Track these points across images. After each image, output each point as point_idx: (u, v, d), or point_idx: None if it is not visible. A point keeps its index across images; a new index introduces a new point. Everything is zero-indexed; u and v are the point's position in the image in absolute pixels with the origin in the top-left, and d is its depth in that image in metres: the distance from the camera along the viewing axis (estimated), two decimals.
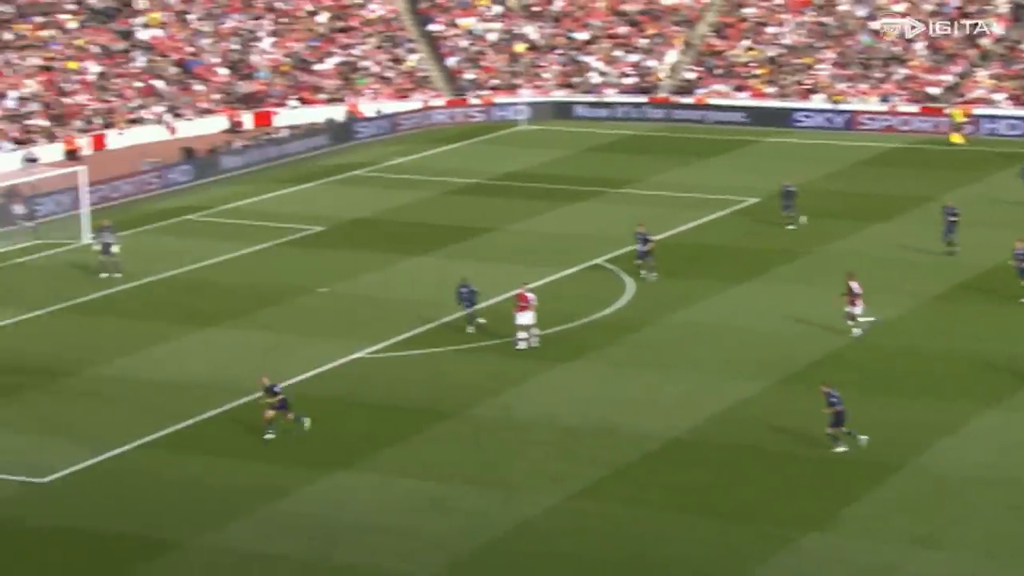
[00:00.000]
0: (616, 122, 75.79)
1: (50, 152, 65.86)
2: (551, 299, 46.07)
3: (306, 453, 34.71)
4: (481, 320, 43.10)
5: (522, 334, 41.33)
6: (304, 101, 75.88)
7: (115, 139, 69.54)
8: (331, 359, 40.90)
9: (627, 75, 78.95)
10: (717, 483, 33.08)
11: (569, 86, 78.94)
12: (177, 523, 31.09)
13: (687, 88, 77.85)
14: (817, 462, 33.90)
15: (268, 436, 34.98)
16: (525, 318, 41.39)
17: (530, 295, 41.66)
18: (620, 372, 40.16)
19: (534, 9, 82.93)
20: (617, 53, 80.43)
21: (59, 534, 30.67)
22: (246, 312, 45.25)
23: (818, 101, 75.12)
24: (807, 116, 74.10)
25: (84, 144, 67.70)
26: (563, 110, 77.30)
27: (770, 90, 76.58)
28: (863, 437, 34.14)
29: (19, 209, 55.65)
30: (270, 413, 35.05)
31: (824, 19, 79.74)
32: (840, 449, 34.05)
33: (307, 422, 35.43)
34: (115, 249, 49.05)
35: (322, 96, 76.49)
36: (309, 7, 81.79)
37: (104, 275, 48.49)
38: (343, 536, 30.56)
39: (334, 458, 34.40)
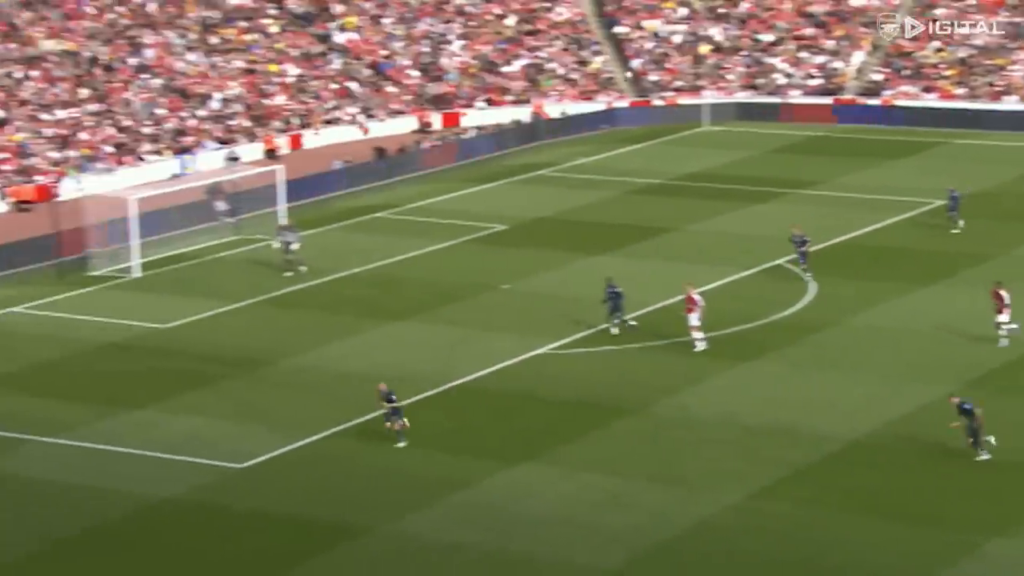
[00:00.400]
0: (800, 124, 74.77)
1: (250, 151, 67.67)
2: (731, 299, 45.84)
3: (488, 446, 35.14)
4: (633, 323, 42.74)
5: (698, 334, 41.09)
6: (491, 102, 76.63)
7: (311, 139, 71.18)
8: (512, 355, 41.28)
9: (812, 76, 77.88)
10: (897, 486, 32.54)
11: (753, 87, 78.19)
12: (366, 510, 31.77)
13: (874, 89, 76.44)
14: (999, 467, 33.10)
15: (400, 445, 34.95)
16: (695, 319, 41.10)
17: (697, 297, 41.31)
18: (800, 373, 39.72)
19: (720, 11, 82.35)
20: (803, 54, 79.40)
21: (255, 518, 31.60)
22: (431, 307, 45.93)
23: (1010, 103, 73.01)
24: (998, 118, 72.10)
25: (282, 143, 69.42)
26: (746, 111, 76.56)
27: (959, 91, 74.72)
28: (989, 437, 33.29)
29: (221, 206, 57.28)
30: (398, 424, 34.80)
31: (1018, 19, 77.46)
32: (983, 457, 33.25)
33: (402, 444, 34.90)
34: (295, 247, 50.16)
35: (509, 97, 77.15)
36: (497, 11, 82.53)
37: (288, 274, 49.60)
38: (522, 528, 30.87)
39: (515, 452, 34.74)
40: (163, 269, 50.83)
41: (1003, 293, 40.87)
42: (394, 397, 35.08)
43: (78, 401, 38.14)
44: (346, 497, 32.57)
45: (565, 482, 33.09)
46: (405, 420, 34.99)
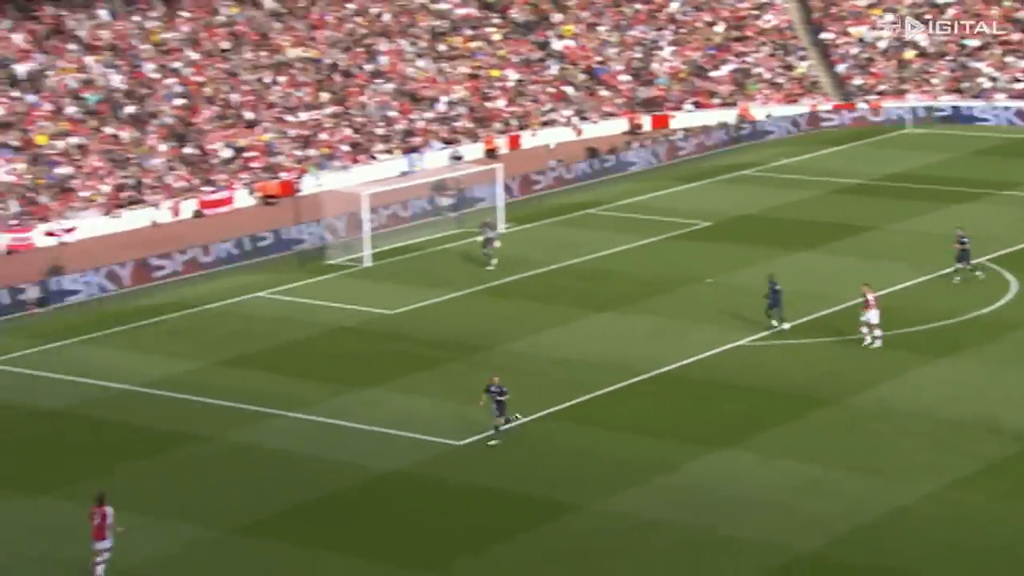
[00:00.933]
0: (1005, 127, 72.08)
1: (472, 151, 68.48)
2: (931, 296, 44.55)
3: (691, 431, 34.85)
4: (785, 325, 41.47)
5: (865, 330, 39.71)
6: (699, 105, 75.93)
7: (528, 139, 71.63)
8: (714, 345, 40.86)
9: (1019, 80, 74.97)
10: None
11: (958, 91, 75.66)
12: (574, 488, 31.85)
13: None
14: None
15: (492, 444, 34.01)
16: (873, 317, 39.73)
17: (871, 295, 39.81)
18: (999, 369, 38.33)
19: (926, 17, 79.91)
20: (1009, 59, 76.50)
21: (471, 492, 31.99)
22: (638, 299, 45.77)
23: None
24: None
25: (501, 144, 70.03)
26: (950, 114, 74.12)
27: None
28: None
29: (445, 201, 58.13)
30: (499, 419, 33.92)
31: None
32: None
33: (495, 443, 33.94)
34: (497, 244, 50.38)
35: (716, 100, 76.32)
36: (707, 18, 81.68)
37: (489, 268, 49.76)
38: (726, 509, 30.55)
39: (718, 437, 34.39)
40: (391, 259, 51.81)
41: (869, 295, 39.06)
42: (505, 389, 34.07)
43: (314, 379, 39.16)
44: (556, 475, 32.69)
45: (764, 468, 32.63)
46: (508, 416, 33.89)
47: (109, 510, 27.83)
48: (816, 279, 46.77)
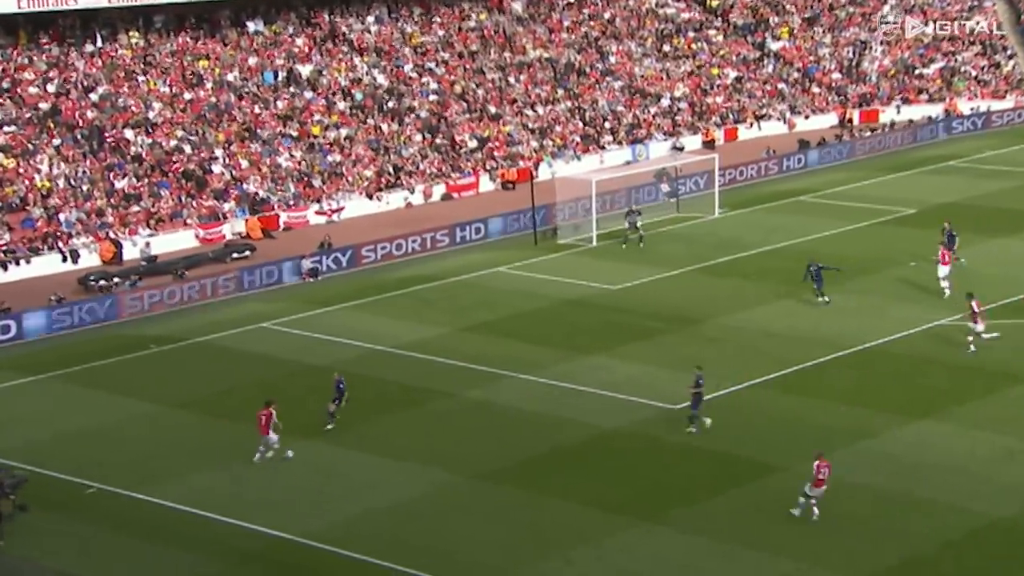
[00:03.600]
0: None
1: (692, 142, 67.74)
2: None
3: (893, 402, 33.77)
4: (827, 299, 38.91)
5: (971, 337, 36.70)
6: (908, 101, 73.18)
7: (744, 132, 70.41)
8: (916, 324, 39.44)
9: None
10: None
11: None
12: (780, 450, 31.28)
13: None
14: None
15: (691, 431, 32.62)
16: (979, 327, 36.60)
17: (975, 304, 36.78)
18: None
19: None
20: None
21: (685, 450, 31.76)
22: (844, 279, 44.46)
23: None
24: None
25: (719, 136, 69.05)
26: None
27: None
28: None
29: (665, 188, 57.71)
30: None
31: None
32: None
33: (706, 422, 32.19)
34: (639, 224, 49.54)
35: (923, 97, 73.42)
36: (918, 21, 78.57)
37: (623, 245, 49.14)
38: (924, 474, 29.53)
39: (918, 408, 33.24)
40: (615, 240, 51.75)
41: (974, 304, 35.87)
42: (702, 382, 32.33)
43: (544, 345, 39.48)
44: (764, 439, 32.17)
45: (961, 438, 31.38)
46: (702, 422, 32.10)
47: (272, 411, 31.00)
48: (1015, 264, 44.56)
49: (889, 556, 26.17)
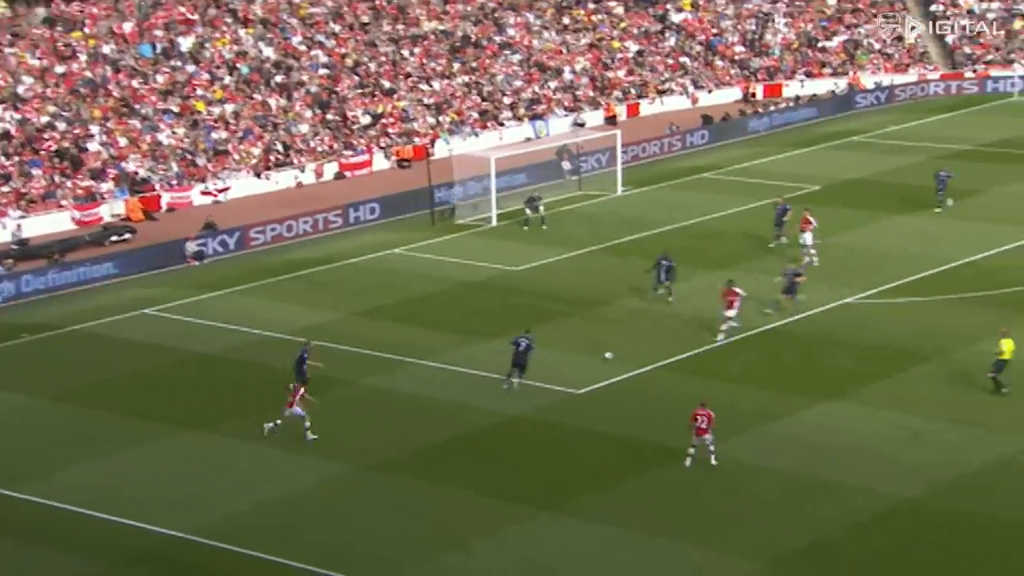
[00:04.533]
0: None
1: (593, 118, 68.06)
2: None
3: (799, 384, 34.36)
4: (670, 298, 39.89)
5: (724, 326, 36.99)
6: (811, 75, 74.41)
7: (646, 107, 70.94)
8: (822, 303, 40.17)
9: None
10: None
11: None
12: (686, 434, 31.51)
13: None
14: None
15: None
16: (731, 312, 36.97)
17: (739, 290, 37.35)
18: None
19: None
20: None
21: (590, 436, 31.97)
22: (748, 258, 45.14)
23: None
24: None
25: (621, 111, 69.46)
26: None
27: None
28: None
29: (567, 165, 57.90)
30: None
31: None
32: None
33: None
34: (541, 208, 49.89)
35: (827, 70, 74.71)
36: None
37: (525, 227, 49.47)
38: (831, 457, 30.11)
39: (824, 389, 33.87)
40: (516, 220, 51.80)
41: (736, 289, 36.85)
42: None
43: (443, 329, 39.41)
44: (670, 422, 32.47)
45: (868, 419, 32.06)
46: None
47: (302, 390, 31.71)
48: (920, 240, 45.66)
49: (797, 540, 26.66)
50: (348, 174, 60.07)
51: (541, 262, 46.15)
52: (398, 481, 29.87)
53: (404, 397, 34.68)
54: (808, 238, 43.07)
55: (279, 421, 31.80)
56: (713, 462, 29.42)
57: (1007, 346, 32.35)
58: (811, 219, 43.44)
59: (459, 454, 31.27)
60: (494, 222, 51.38)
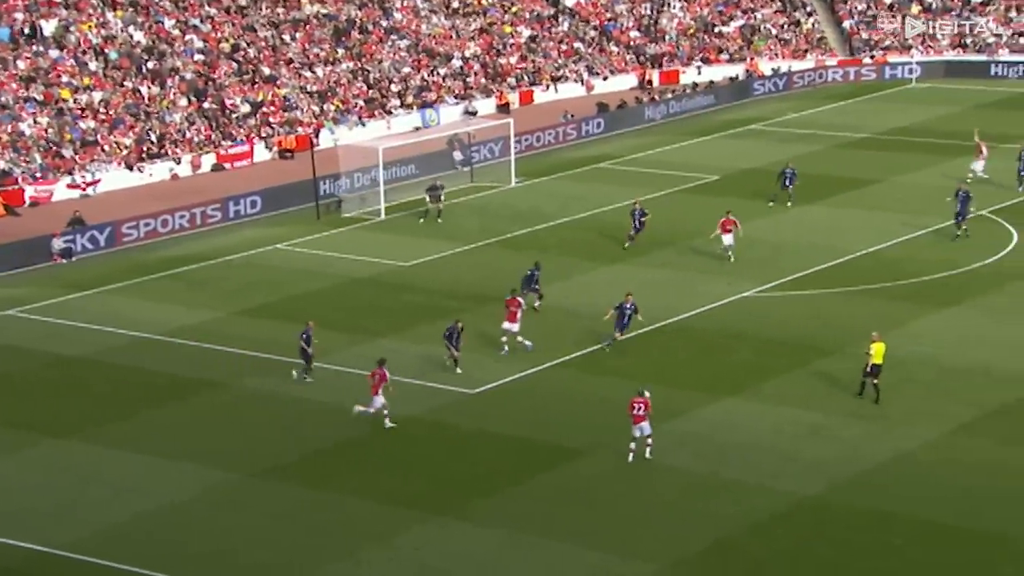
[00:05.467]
0: (1008, 81, 71.66)
1: (485, 106, 68.24)
2: (936, 248, 44.44)
3: (697, 380, 34.90)
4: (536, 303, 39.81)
5: (505, 338, 36.68)
6: (707, 61, 75.50)
7: (540, 95, 71.32)
8: (721, 297, 40.85)
9: (1021, 35, 74.41)
10: None
11: (962, 46, 75.14)
12: (583, 434, 31.98)
13: None
14: None
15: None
16: (513, 327, 36.45)
17: (520, 300, 37.03)
18: (1001, 318, 38.30)
19: None
20: (1012, 14, 75.91)
21: (485, 437, 32.15)
22: (646, 251, 45.69)
23: None
24: None
25: (514, 99, 69.75)
26: (954, 69, 73.70)
27: None
28: None
29: (458, 156, 57.99)
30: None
31: None
32: None
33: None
34: (442, 197, 50.11)
35: (724, 56, 75.87)
36: None
37: (421, 220, 49.68)
38: (730, 454, 30.66)
39: (724, 385, 34.46)
40: (405, 212, 51.79)
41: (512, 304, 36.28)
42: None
43: (330, 328, 39.21)
44: (567, 422, 32.83)
45: (768, 415, 32.72)
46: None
47: (386, 372, 32.25)
48: (820, 231, 46.66)
49: (698, 541, 27.13)
50: (227, 166, 59.46)
51: (432, 257, 46.19)
52: (284, 488, 29.72)
53: (289, 400, 34.49)
54: (729, 239, 43.06)
55: (371, 409, 31.91)
56: (648, 455, 29.88)
57: (877, 350, 32.80)
58: (735, 220, 43.32)
59: (347, 458, 31.21)
60: (383, 215, 51.29)
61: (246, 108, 62.49)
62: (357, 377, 35.76)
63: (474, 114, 66.36)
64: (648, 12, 78.51)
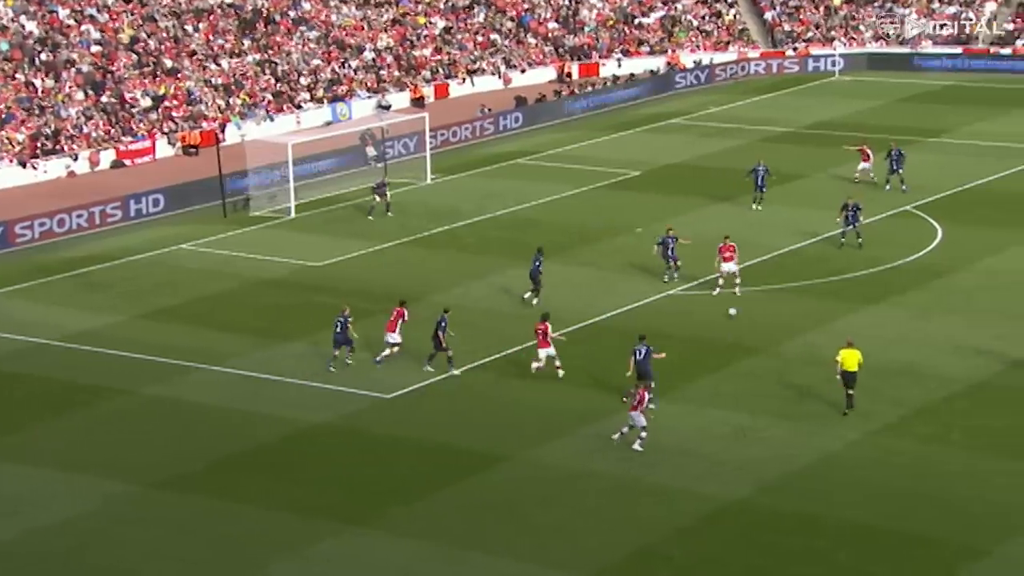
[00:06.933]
0: (931, 73, 72.82)
1: (399, 100, 67.95)
2: (840, 247, 44.95)
3: (618, 381, 34.91)
4: (534, 300, 39.99)
5: (386, 351, 36.08)
6: (628, 53, 75.83)
7: (456, 88, 71.18)
8: (644, 295, 40.97)
9: (944, 27, 75.68)
10: (1019, 425, 31.63)
11: (884, 38, 76.21)
12: (504, 439, 31.86)
13: (1006, 40, 73.99)
14: None
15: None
16: (548, 351, 35.10)
17: (547, 325, 35.37)
18: (925, 316, 38.81)
19: None
20: (935, 6, 77.15)
21: (401, 444, 31.91)
22: (569, 248, 45.73)
23: None
24: None
25: (428, 93, 69.54)
26: (877, 62, 74.74)
27: None
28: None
29: (371, 151, 57.66)
30: None
31: None
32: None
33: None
34: (388, 195, 50.08)
35: (644, 48, 76.24)
36: None
37: (369, 216, 49.61)
38: (655, 458, 30.68)
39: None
40: (316, 211, 51.37)
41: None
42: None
43: (238, 332, 38.81)
44: (485, 427, 32.69)
45: (692, 416, 32.82)
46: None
47: (405, 311, 35.59)
48: (743, 228, 46.95)
49: (620, 548, 27.11)
50: (128, 162, 58.63)
51: (345, 256, 45.84)
52: (188, 499, 29.27)
53: (194, 407, 34.01)
54: (730, 267, 40.56)
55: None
56: (637, 447, 30.38)
57: (846, 357, 32.45)
58: (733, 245, 40.51)
59: (256, 467, 30.82)
60: (292, 213, 50.82)
61: (147, 102, 61.64)
62: (266, 382, 35.34)
63: (387, 108, 66.04)
64: (566, 3, 78.70)
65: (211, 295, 42.24)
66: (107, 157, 58.28)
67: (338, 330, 35.76)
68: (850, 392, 32.59)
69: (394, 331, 36.12)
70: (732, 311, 38.53)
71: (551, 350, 34.83)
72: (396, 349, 36.19)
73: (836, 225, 45.19)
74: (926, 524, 27.59)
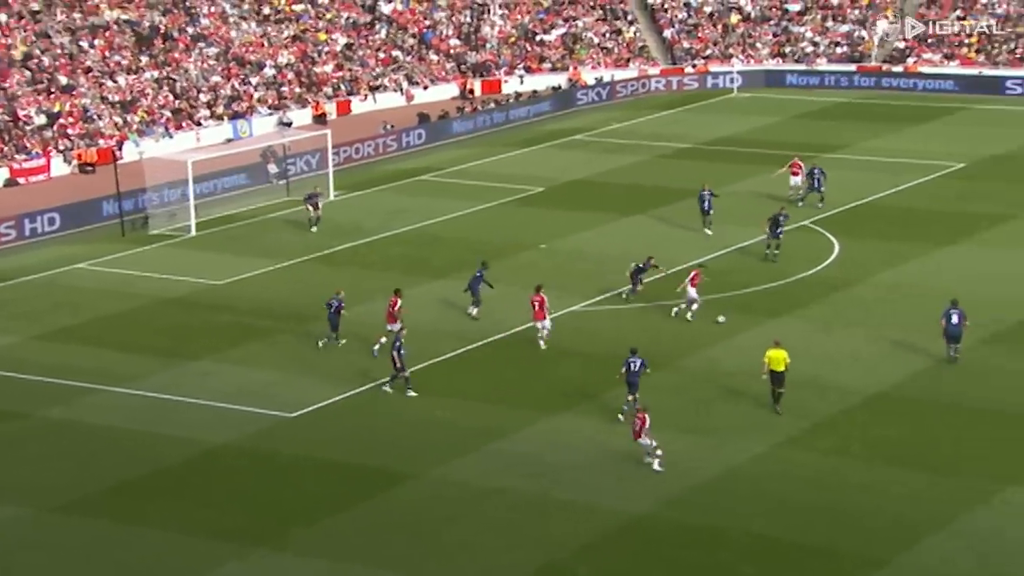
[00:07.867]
0: (826, 90, 74.12)
1: (300, 116, 67.56)
2: (759, 258, 45.52)
3: (525, 397, 35.01)
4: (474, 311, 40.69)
5: (694, 306, 39.08)
6: (530, 70, 76.18)
7: (358, 105, 70.95)
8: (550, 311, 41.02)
9: (838, 44, 77.08)
10: (919, 438, 32.26)
11: (781, 56, 77.43)
12: (410, 457, 31.74)
13: (898, 57, 75.60)
14: (1016, 420, 32.70)
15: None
16: (693, 293, 38.68)
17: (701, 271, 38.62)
18: (825, 329, 39.40)
19: None
20: (829, 24, 78.58)
21: (306, 463, 31.65)
22: (472, 265, 45.66)
23: None
24: (1018, 84, 71.51)
25: (330, 109, 69.23)
26: (775, 79, 75.91)
27: (980, 59, 73.83)
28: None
29: (273, 168, 57.24)
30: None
31: None
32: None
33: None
34: (320, 204, 50.17)
35: (546, 65, 76.65)
36: None
37: (313, 229, 49.53)
38: (560, 474, 30.78)
39: (553, 403, 34.61)
40: (218, 228, 50.84)
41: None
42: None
43: (138, 353, 38.26)
44: (391, 445, 32.55)
45: (596, 433, 32.96)
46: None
47: (399, 301, 36.78)
48: (645, 244, 47.30)
49: (527, 565, 27.13)
50: (21, 180, 57.57)
51: (247, 274, 45.43)
52: (86, 523, 28.75)
53: (92, 429, 33.45)
54: (694, 293, 40.78)
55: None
56: (658, 467, 30.41)
57: (773, 357, 32.81)
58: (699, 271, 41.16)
59: (157, 490, 30.37)
60: (193, 231, 50.26)
61: (41, 119, 60.61)
62: (168, 403, 34.87)
63: (289, 125, 65.64)
64: (468, 20, 78.86)
65: (110, 315, 41.60)
66: (0, 175, 57.16)
67: (331, 311, 37.63)
68: (780, 391, 32.99)
69: (395, 322, 36.71)
70: (720, 319, 39.35)
71: (546, 322, 37.49)
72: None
73: (750, 237, 45.63)
74: (827, 536, 27.98)
